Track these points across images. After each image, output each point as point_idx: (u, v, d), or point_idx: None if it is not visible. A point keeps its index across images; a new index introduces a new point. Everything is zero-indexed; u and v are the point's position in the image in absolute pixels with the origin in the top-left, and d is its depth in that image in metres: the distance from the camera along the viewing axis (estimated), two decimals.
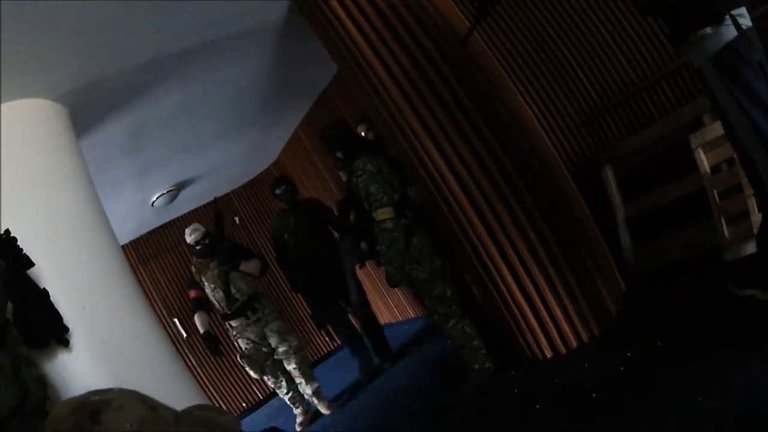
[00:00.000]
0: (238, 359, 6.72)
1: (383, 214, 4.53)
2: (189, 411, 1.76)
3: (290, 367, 6.64)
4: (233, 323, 6.60)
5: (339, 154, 4.97)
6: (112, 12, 3.80)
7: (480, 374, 4.71)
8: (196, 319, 6.61)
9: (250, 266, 6.62)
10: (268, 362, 6.65)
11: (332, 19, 4.55)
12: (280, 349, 6.56)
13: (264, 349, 6.60)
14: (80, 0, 3.47)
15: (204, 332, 6.52)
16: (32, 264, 3.28)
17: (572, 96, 5.72)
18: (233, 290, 6.44)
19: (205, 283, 6.56)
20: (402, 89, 4.39)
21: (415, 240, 4.72)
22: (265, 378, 6.77)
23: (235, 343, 6.90)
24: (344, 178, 5.11)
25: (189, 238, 6.52)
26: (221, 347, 6.76)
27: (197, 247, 6.50)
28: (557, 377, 4.03)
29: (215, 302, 6.58)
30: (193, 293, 6.68)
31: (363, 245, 5.08)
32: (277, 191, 6.87)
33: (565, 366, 4.18)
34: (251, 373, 6.62)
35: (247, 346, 6.59)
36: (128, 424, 1.40)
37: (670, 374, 3.14)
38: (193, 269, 6.68)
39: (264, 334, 6.59)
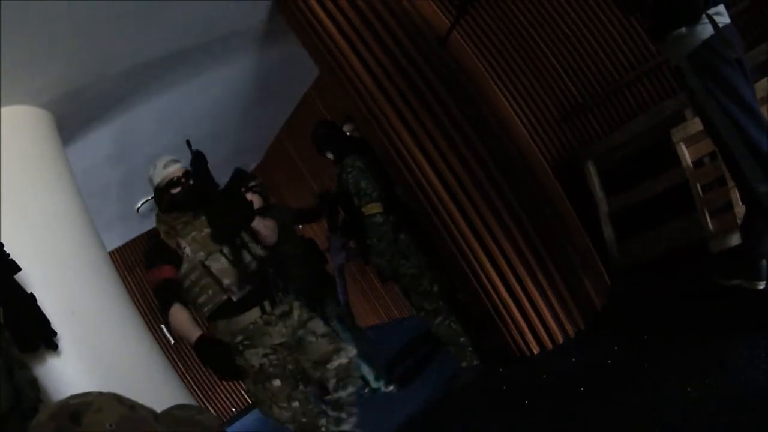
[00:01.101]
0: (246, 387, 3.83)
1: (373, 208, 4.60)
2: (169, 411, 1.77)
3: (340, 393, 3.79)
4: (238, 320, 3.63)
5: (329, 155, 4.97)
6: (96, 19, 3.81)
7: (467, 371, 4.74)
8: (175, 316, 3.56)
9: (266, 226, 3.91)
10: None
11: (312, 21, 4.56)
12: (331, 366, 3.76)
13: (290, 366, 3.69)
14: (64, 4, 3.48)
15: (200, 339, 3.47)
16: (19, 269, 3.29)
17: (552, 92, 5.75)
18: (248, 258, 3.73)
19: (187, 251, 3.64)
20: (382, 89, 4.41)
21: (402, 236, 4.75)
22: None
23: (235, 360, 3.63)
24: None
25: (160, 175, 3.82)
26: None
27: (174, 191, 3.77)
28: (544, 372, 4.05)
29: (196, 287, 3.64)
30: (163, 272, 3.60)
31: (351, 243, 5.12)
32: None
33: (552, 361, 4.20)
34: (279, 414, 3.62)
35: (265, 362, 3.59)
36: (107, 424, 1.41)
37: (657, 366, 3.17)
38: (162, 230, 3.73)
39: (299, 339, 3.75)
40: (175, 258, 3.64)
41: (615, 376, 3.40)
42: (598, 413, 3.12)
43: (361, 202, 4.64)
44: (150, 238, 8.92)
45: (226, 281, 3.58)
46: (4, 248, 3.28)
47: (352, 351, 3.89)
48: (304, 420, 3.58)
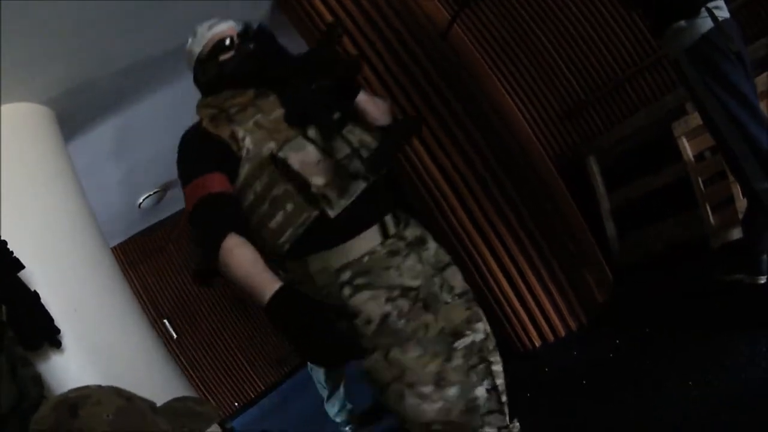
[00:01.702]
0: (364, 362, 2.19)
1: None
2: (168, 403, 1.79)
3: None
4: (344, 249, 2.11)
5: None
6: (97, 16, 3.81)
7: None
8: (233, 254, 1.99)
9: (375, 102, 2.42)
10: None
11: (313, 16, 4.56)
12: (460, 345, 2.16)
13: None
14: (64, 2, 3.48)
15: (282, 294, 1.89)
16: (22, 267, 3.29)
17: (554, 88, 5.76)
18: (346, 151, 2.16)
19: (247, 144, 2.13)
20: (384, 84, 4.41)
21: None
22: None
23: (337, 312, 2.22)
24: None
25: (203, 39, 2.63)
26: None
27: (225, 57, 2.47)
28: (546, 367, 4.07)
29: (263, 204, 2.14)
30: (208, 183, 2.14)
31: None
32: None
33: (554, 356, 4.21)
34: (417, 408, 2.01)
35: (391, 311, 2.04)
36: (105, 415, 1.43)
37: (658, 363, 3.19)
38: (207, 117, 2.35)
39: (434, 274, 2.21)
40: (226, 159, 2.17)
41: (616, 372, 3.43)
42: (598, 410, 3.14)
43: None
44: (149, 233, 8.81)
45: (317, 181, 2.05)
46: (8, 246, 3.29)
47: (485, 325, 2.31)
48: (465, 419, 2.05)
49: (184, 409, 1.78)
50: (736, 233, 3.96)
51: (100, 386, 1.57)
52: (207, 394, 9.56)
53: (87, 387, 1.56)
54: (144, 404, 1.59)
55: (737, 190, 3.97)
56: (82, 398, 1.47)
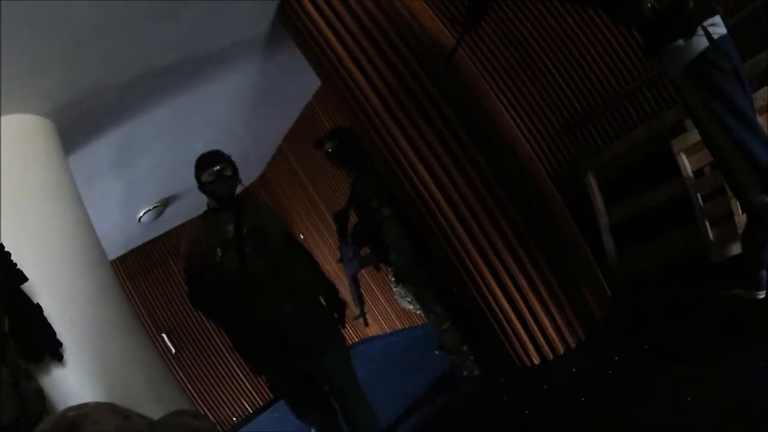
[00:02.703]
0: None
1: (388, 211, 4.64)
2: (165, 417, 1.79)
3: None
4: None
5: (344, 165, 5.05)
6: (98, 28, 3.83)
7: (468, 381, 4.76)
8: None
9: None
10: None
11: (314, 32, 4.59)
12: None
13: None
14: (65, 13, 3.50)
15: None
16: (26, 279, 3.29)
17: (553, 104, 5.77)
18: None
19: None
20: (384, 101, 4.43)
21: (408, 244, 4.84)
22: None
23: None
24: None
25: None
26: None
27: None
28: (545, 383, 4.07)
29: None
30: None
31: (362, 251, 5.12)
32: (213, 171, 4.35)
33: (553, 372, 4.21)
34: None
35: None
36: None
37: (657, 378, 3.18)
38: None
39: None
40: None
41: (616, 386, 3.42)
42: (599, 425, 3.13)
43: (381, 203, 4.65)
44: (149, 247, 8.88)
45: None
46: (11, 257, 3.29)
47: None
48: None
49: (181, 424, 1.78)
50: (735, 248, 3.98)
51: (98, 404, 1.58)
52: (205, 409, 9.55)
53: (86, 405, 1.57)
54: (141, 422, 1.60)
55: (736, 205, 3.98)
56: (80, 418, 1.48)
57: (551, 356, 4.40)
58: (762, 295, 3.24)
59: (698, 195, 4.34)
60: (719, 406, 2.59)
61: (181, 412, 1.96)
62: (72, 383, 3.50)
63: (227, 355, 9.92)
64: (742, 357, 2.85)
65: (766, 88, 3.84)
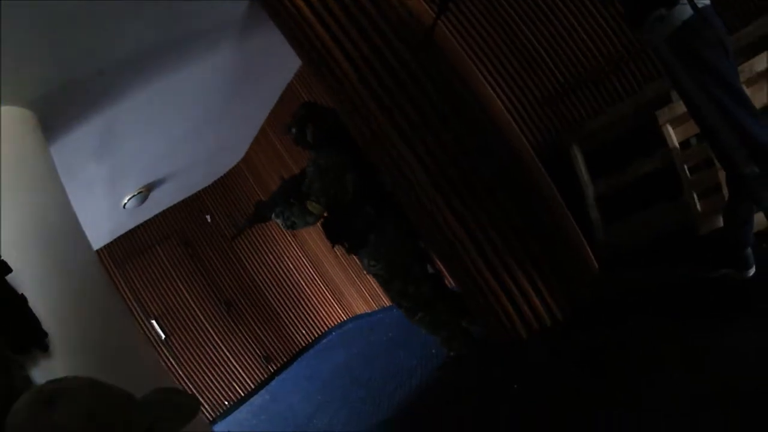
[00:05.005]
0: None
1: (313, 208, 4.63)
2: (148, 394, 1.79)
3: None
4: None
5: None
6: (75, 16, 3.79)
7: (453, 360, 4.79)
8: None
9: None
10: None
11: (291, 10, 4.54)
12: None
13: None
14: (41, 3, 3.46)
15: None
16: (10, 270, 3.28)
17: (537, 77, 5.73)
18: None
19: None
20: (364, 79, 4.40)
21: (372, 237, 4.77)
22: None
23: None
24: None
25: None
26: None
27: None
28: (533, 358, 4.09)
29: None
30: None
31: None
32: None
33: (541, 347, 4.23)
34: None
35: None
36: (82, 408, 1.43)
37: (646, 352, 3.20)
38: None
39: None
40: None
41: (604, 360, 3.44)
42: (587, 399, 3.14)
43: (308, 197, 4.63)
44: (135, 233, 8.82)
45: None
46: None
47: None
48: None
49: (163, 399, 1.78)
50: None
51: (76, 378, 1.57)
52: (196, 393, 9.55)
53: (63, 379, 1.56)
54: (121, 398, 1.60)
55: (724, 177, 3.94)
56: (58, 391, 1.47)
57: (539, 331, 4.41)
58: (752, 273, 3.25)
59: (685, 166, 4.33)
60: (709, 382, 2.61)
61: (163, 388, 1.96)
62: (60, 372, 3.50)
63: (217, 339, 9.94)
64: (733, 333, 2.85)
65: (757, 58, 3.85)
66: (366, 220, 4.74)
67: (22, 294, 3.33)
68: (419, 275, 4.85)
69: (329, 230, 4.93)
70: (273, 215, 4.77)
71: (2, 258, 3.28)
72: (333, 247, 5.13)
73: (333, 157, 4.71)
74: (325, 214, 4.86)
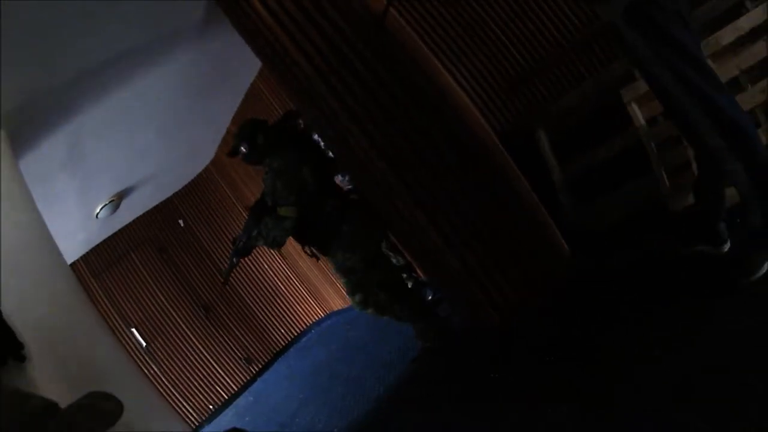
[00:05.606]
0: None
1: (286, 212, 4.62)
2: (76, 400, 1.83)
3: None
4: None
5: (243, 148, 4.91)
6: (35, 30, 3.81)
7: (428, 351, 4.86)
8: None
9: None
10: None
11: (248, 10, 4.54)
12: None
13: None
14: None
15: None
16: None
17: (497, 61, 5.72)
18: None
19: None
20: (321, 75, 4.38)
21: (345, 227, 4.79)
22: None
23: None
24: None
25: None
26: None
27: None
28: (510, 344, 4.13)
29: None
30: None
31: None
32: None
33: (516, 332, 4.24)
34: None
35: None
36: None
37: (622, 334, 3.20)
38: None
39: None
40: None
41: (580, 345, 3.44)
42: (565, 385, 3.15)
43: (276, 204, 4.65)
44: (110, 242, 8.83)
45: None
46: None
47: None
48: None
49: (86, 406, 1.82)
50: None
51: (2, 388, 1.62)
52: (181, 399, 9.57)
53: None
54: (37, 407, 1.64)
55: (692, 153, 3.89)
56: None
57: (512, 317, 4.40)
58: (726, 248, 3.22)
59: (652, 144, 4.29)
60: (687, 365, 2.60)
61: (90, 394, 1.99)
62: (37, 384, 3.52)
63: (197, 343, 9.95)
64: (708, 314, 2.84)
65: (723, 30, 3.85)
66: (333, 212, 4.77)
67: None
68: (395, 264, 4.89)
69: (299, 231, 4.88)
70: (253, 242, 4.77)
71: None
72: (303, 248, 5.11)
73: (284, 156, 4.73)
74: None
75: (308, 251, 5.10)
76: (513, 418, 3.25)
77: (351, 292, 4.99)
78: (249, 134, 4.85)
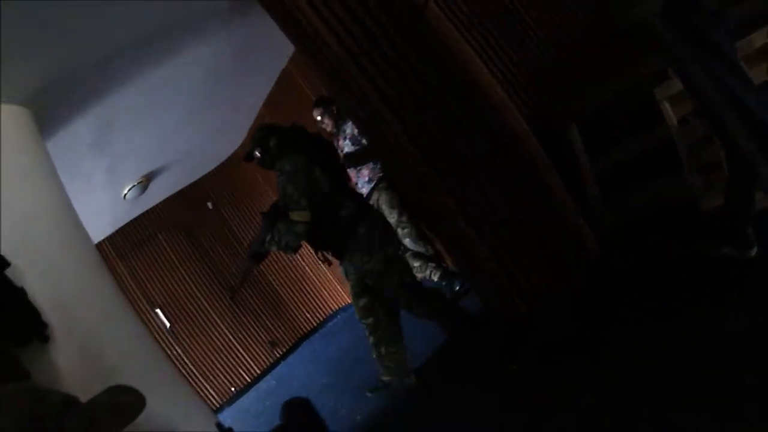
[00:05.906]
0: None
1: (298, 216, 4.56)
2: (96, 396, 1.81)
3: None
4: None
5: (257, 152, 4.89)
6: (65, 10, 3.80)
7: (453, 341, 4.85)
8: None
9: None
10: None
11: None
12: None
13: None
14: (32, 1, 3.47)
15: None
16: (8, 264, 3.31)
17: (530, 52, 5.66)
18: None
19: None
20: (356, 60, 4.35)
21: (361, 230, 4.74)
22: None
23: None
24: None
25: None
26: None
27: None
28: (532, 335, 4.10)
29: None
30: None
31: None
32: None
33: (539, 325, 4.21)
34: None
35: None
36: (14, 417, 1.45)
37: (644, 330, 3.18)
38: None
39: None
40: None
41: (601, 339, 3.44)
42: (584, 378, 3.15)
43: (288, 208, 4.59)
44: (137, 223, 8.88)
45: None
46: None
47: None
48: None
49: (105, 401, 1.80)
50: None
51: (15, 386, 1.60)
52: (203, 381, 9.61)
53: (3, 387, 1.58)
54: (56, 404, 1.61)
55: (724, 154, 3.84)
56: None
57: (537, 308, 4.37)
58: (753, 252, 3.18)
59: (684, 144, 4.26)
60: (686, 365, 2.63)
61: (112, 388, 1.97)
62: (60, 365, 3.52)
63: (222, 326, 9.98)
64: (728, 313, 2.82)
65: (756, 34, 3.80)
66: (350, 213, 4.73)
67: (21, 287, 3.35)
68: (423, 254, 4.88)
69: (312, 235, 4.80)
70: (267, 247, 4.74)
71: (1, 252, 3.31)
72: (316, 253, 5.08)
73: (296, 158, 4.68)
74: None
75: (321, 256, 5.05)
76: (522, 419, 3.29)
77: (356, 296, 5.03)
78: (262, 138, 4.84)
